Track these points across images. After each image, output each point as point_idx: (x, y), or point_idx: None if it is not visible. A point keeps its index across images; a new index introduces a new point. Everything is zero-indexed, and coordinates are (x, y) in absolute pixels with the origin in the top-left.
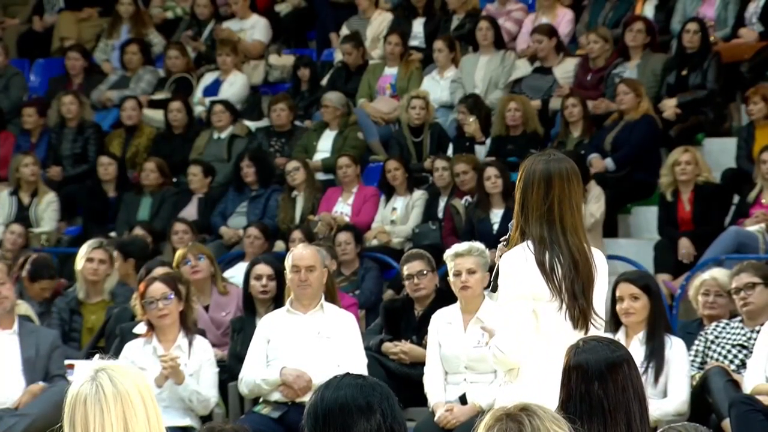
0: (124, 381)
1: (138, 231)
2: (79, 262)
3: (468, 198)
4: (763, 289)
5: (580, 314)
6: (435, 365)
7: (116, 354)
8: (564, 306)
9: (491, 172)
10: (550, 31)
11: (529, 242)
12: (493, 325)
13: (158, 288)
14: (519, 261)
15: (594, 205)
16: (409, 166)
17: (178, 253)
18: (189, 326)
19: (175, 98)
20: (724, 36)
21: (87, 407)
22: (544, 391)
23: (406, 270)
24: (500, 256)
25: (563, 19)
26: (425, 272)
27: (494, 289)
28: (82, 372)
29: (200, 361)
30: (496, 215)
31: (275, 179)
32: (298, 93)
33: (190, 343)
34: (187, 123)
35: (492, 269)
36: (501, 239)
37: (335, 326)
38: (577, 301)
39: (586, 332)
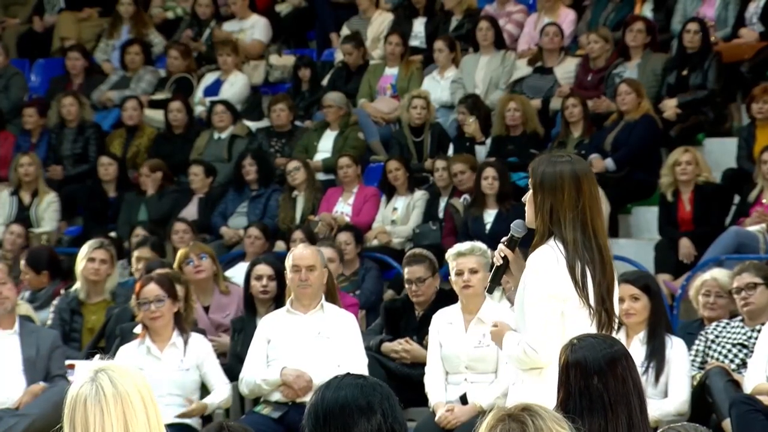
0: (124, 381)
1: (139, 231)
2: (80, 262)
3: (466, 196)
4: (764, 290)
5: (607, 318)
6: (436, 365)
7: (116, 354)
8: (592, 312)
9: (490, 172)
10: (560, 30)
11: (558, 243)
12: (502, 321)
13: (152, 290)
14: (550, 261)
15: None
16: (409, 166)
17: (180, 252)
18: (183, 326)
19: (174, 98)
20: (724, 36)
21: (87, 408)
22: None
23: (406, 274)
24: (503, 257)
25: (566, 19)
26: (424, 279)
27: (490, 291)
28: (81, 372)
29: (199, 357)
30: (490, 215)
31: (275, 179)
32: (298, 93)
33: (185, 341)
34: (187, 123)
35: (491, 269)
36: (503, 239)
37: (335, 326)
38: (604, 305)
39: (611, 332)
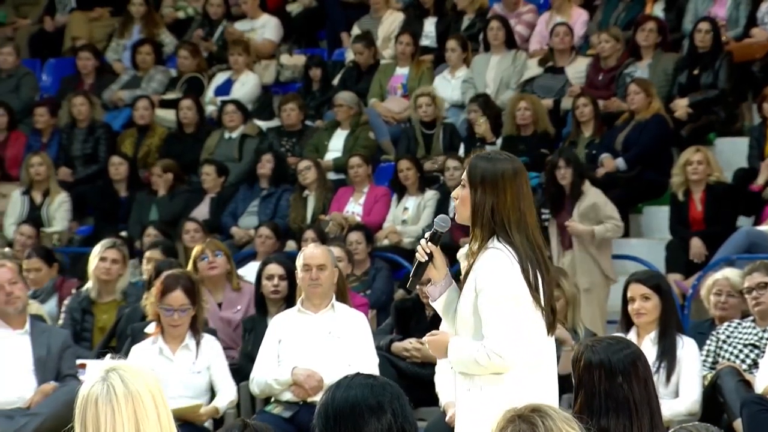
0: (135, 381)
1: (150, 231)
2: (92, 262)
3: None
4: None
5: (552, 317)
6: (446, 365)
7: (127, 354)
8: (543, 313)
9: None
10: (570, 30)
11: (504, 245)
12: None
13: (178, 298)
14: (506, 263)
15: (605, 211)
16: (420, 165)
17: (196, 249)
18: (197, 327)
19: (185, 97)
20: (735, 36)
21: (98, 407)
22: (526, 395)
23: None
24: (428, 253)
25: (578, 20)
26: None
27: (411, 286)
28: (93, 372)
29: (209, 358)
30: None
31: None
32: (309, 93)
33: (198, 343)
34: (198, 123)
35: (419, 265)
36: (425, 234)
37: (346, 326)
38: (550, 304)
39: (553, 334)
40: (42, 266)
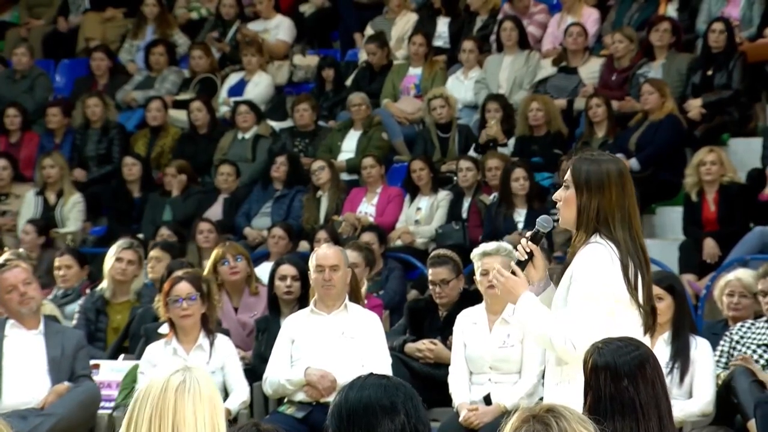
0: (211, 386)
1: (163, 231)
2: (108, 262)
3: (496, 195)
4: None
5: (650, 317)
6: (460, 365)
7: (141, 354)
8: (641, 311)
9: (520, 173)
10: (584, 30)
11: (608, 242)
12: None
13: (184, 288)
14: (606, 259)
15: None
16: (433, 165)
17: (216, 252)
18: (210, 327)
19: (196, 98)
20: (749, 36)
21: (178, 396)
22: None
23: (430, 275)
24: (528, 252)
25: (589, 19)
26: (448, 281)
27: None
28: (164, 370)
29: (223, 358)
30: (520, 215)
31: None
32: (322, 93)
33: (212, 344)
34: (211, 123)
35: (519, 263)
36: (526, 234)
37: (359, 326)
38: (650, 304)
39: (652, 335)
40: (73, 264)
